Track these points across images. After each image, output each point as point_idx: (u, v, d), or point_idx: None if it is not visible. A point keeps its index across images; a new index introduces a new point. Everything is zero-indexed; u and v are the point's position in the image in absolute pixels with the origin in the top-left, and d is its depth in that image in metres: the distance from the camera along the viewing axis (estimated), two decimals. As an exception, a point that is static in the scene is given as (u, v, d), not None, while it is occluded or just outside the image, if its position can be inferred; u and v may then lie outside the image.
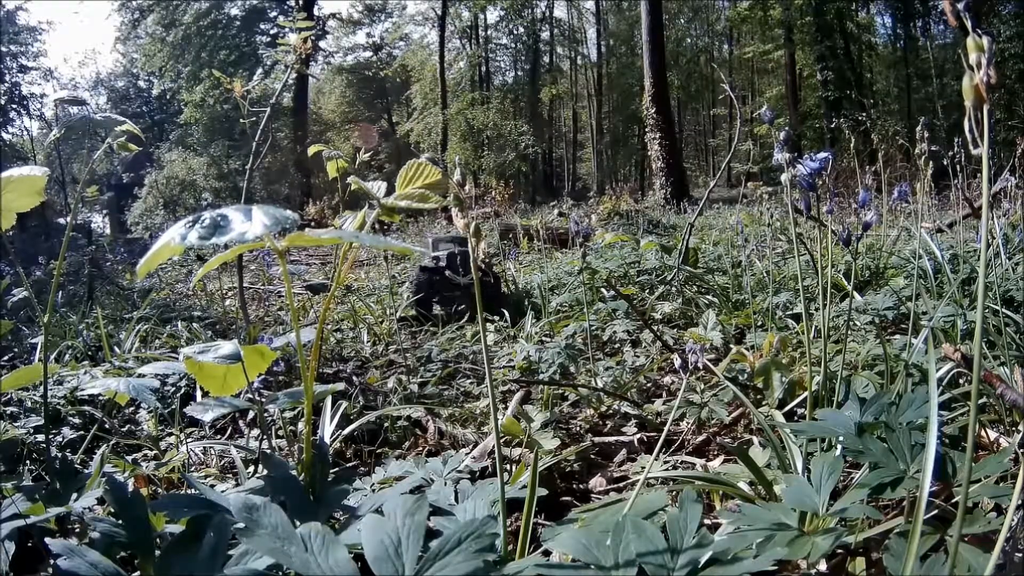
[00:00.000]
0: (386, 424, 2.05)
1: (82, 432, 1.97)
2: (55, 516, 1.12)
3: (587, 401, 2.20)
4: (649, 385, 2.46)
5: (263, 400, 1.51)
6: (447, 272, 3.95)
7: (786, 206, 1.69)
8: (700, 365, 1.08)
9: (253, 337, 2.15)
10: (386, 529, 0.84)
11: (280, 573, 0.89)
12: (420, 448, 2.00)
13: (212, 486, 1.55)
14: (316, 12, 29.74)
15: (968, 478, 0.73)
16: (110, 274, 6.39)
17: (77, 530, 1.21)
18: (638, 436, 1.96)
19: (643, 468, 1.61)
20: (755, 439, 1.75)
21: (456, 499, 1.24)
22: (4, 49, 28.09)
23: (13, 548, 1.05)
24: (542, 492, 1.20)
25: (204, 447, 1.97)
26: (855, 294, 2.68)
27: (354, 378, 2.44)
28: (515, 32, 37.17)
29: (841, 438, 1.14)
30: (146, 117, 37.03)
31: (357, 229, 1.17)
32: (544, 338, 3.19)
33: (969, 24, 0.66)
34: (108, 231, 24.68)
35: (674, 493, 1.32)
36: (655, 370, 2.50)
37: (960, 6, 0.66)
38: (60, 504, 1.15)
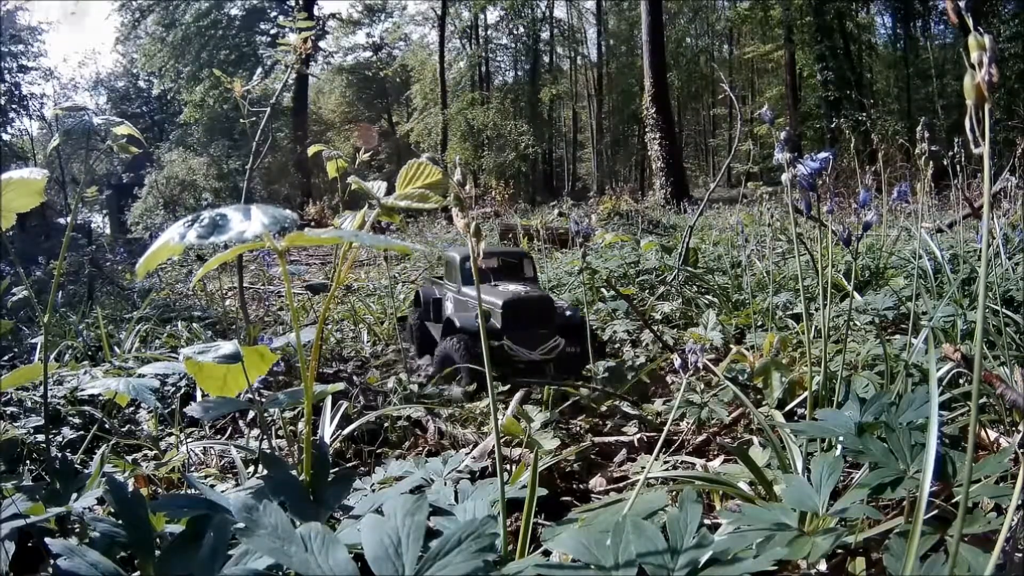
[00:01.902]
0: (386, 424, 2.05)
1: (82, 432, 1.97)
2: (55, 516, 1.12)
3: (587, 401, 2.20)
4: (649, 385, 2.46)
5: (263, 400, 1.51)
6: (508, 345, 2.47)
7: (786, 206, 1.69)
8: (700, 365, 1.08)
9: (253, 337, 2.15)
10: (386, 529, 0.84)
11: (280, 573, 0.89)
12: (420, 448, 2.00)
13: (212, 486, 1.54)
14: (316, 12, 29.78)
15: (968, 478, 0.73)
16: (110, 274, 6.40)
17: (77, 530, 1.21)
18: (638, 436, 1.96)
19: (643, 468, 1.61)
20: (755, 439, 1.75)
21: (456, 499, 1.24)
22: (4, 49, 28.09)
23: (13, 548, 1.05)
24: (542, 492, 1.20)
25: (204, 447, 1.97)
26: (855, 294, 2.68)
27: (354, 378, 2.44)
28: (515, 32, 37.16)
29: (841, 438, 1.14)
30: (146, 117, 37.05)
31: (357, 229, 1.17)
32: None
33: (970, 23, 0.66)
34: (108, 231, 24.73)
35: (674, 493, 1.32)
36: (655, 370, 2.50)
37: (961, 5, 0.66)
38: (60, 504, 1.15)
